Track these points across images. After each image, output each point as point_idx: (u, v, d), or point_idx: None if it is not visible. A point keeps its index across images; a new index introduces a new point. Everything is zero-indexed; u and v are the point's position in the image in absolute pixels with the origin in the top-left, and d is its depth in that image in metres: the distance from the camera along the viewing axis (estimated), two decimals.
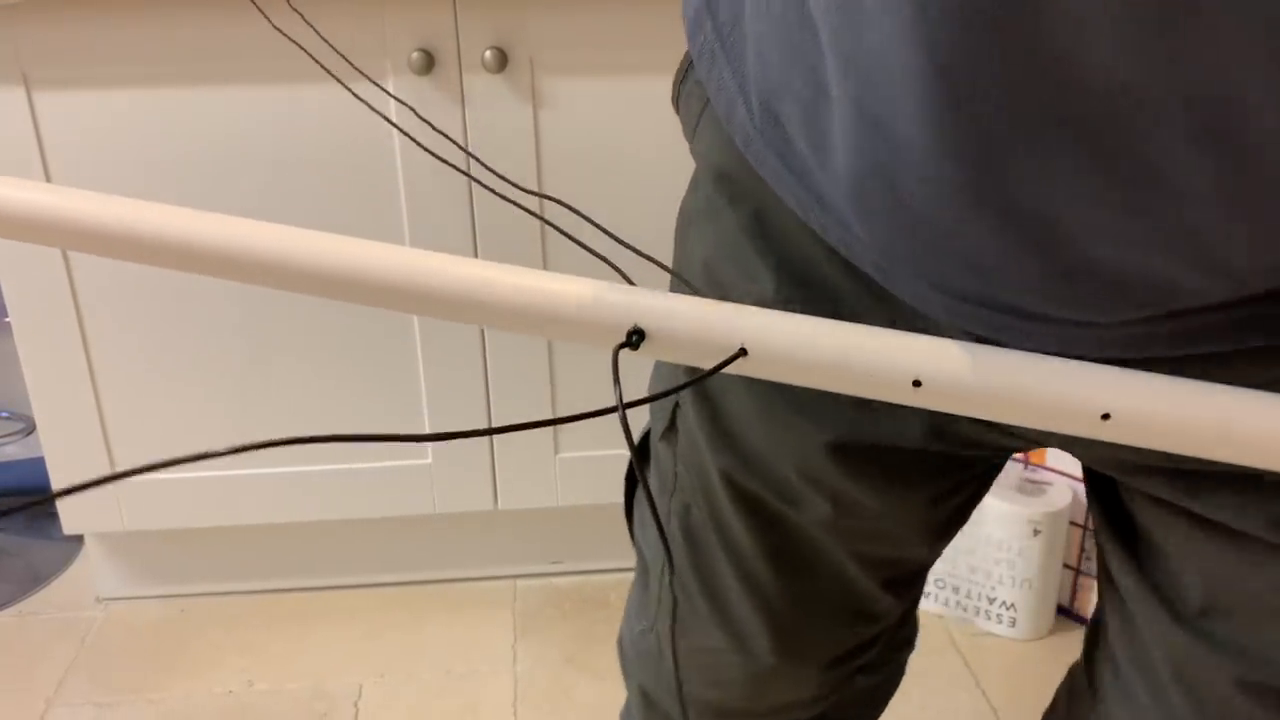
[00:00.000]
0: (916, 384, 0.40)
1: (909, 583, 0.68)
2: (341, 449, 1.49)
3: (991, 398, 0.41)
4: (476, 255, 1.41)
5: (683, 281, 0.59)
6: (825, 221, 0.49)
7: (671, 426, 0.65)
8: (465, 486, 1.52)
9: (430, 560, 1.63)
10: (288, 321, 1.43)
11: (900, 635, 0.75)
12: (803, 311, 0.47)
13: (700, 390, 0.61)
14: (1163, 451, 0.45)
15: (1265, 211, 0.35)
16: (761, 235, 0.54)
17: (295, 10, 0.62)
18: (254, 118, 1.32)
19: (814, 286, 0.53)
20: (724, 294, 0.56)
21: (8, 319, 1.41)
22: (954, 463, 0.59)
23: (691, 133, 0.59)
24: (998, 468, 0.63)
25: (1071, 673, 0.68)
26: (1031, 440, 0.55)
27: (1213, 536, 0.50)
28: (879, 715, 0.79)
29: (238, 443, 1.48)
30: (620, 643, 0.76)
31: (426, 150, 0.61)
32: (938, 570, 1.55)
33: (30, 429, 1.84)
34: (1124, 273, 0.40)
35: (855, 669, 0.71)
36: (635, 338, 0.42)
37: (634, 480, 0.71)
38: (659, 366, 0.67)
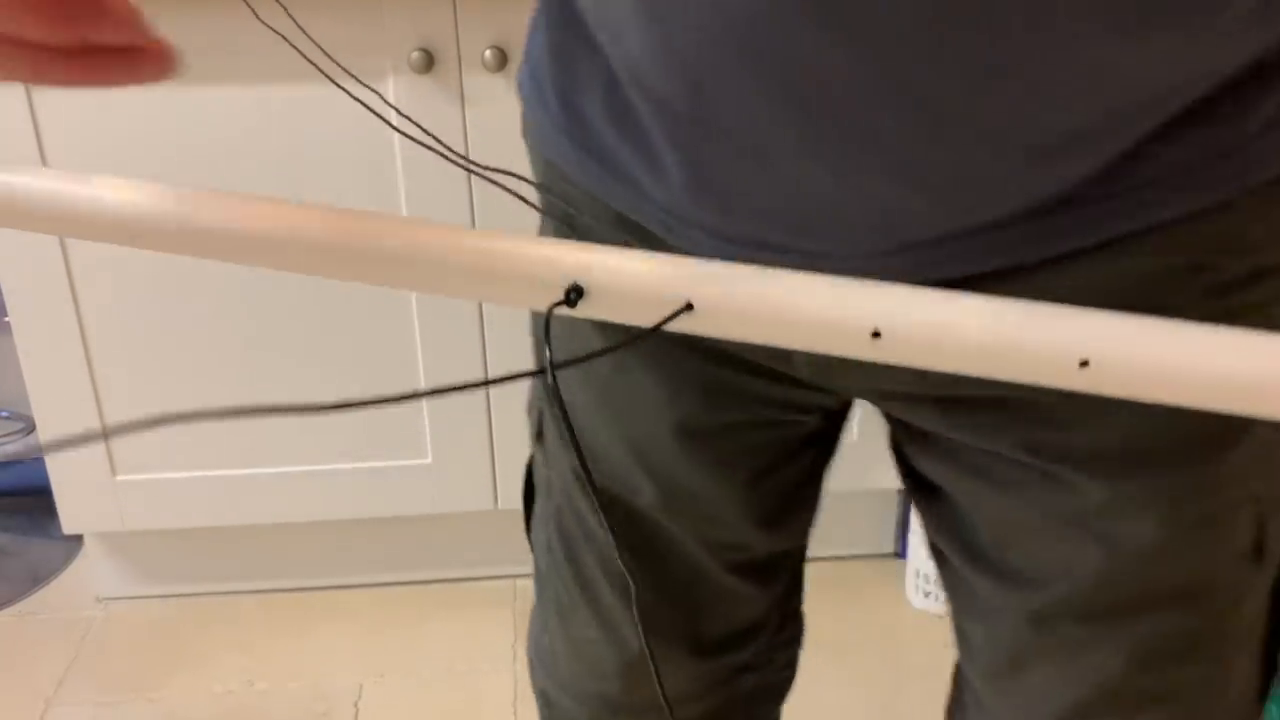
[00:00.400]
0: (876, 334, 0.38)
1: (765, 572, 0.69)
2: (341, 449, 1.49)
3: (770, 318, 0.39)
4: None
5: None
6: (611, 187, 0.53)
7: (540, 433, 0.68)
8: (465, 486, 1.52)
9: (430, 560, 1.63)
10: (288, 321, 1.43)
11: (782, 635, 0.75)
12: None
13: (552, 392, 0.65)
14: (920, 375, 0.51)
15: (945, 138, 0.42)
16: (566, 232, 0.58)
17: (282, 6, 0.62)
18: (254, 117, 1.32)
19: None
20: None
21: (7, 318, 1.41)
22: (764, 437, 0.62)
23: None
24: (817, 449, 0.66)
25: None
26: (812, 386, 0.58)
27: (980, 472, 0.56)
28: (772, 716, 0.80)
29: (238, 443, 1.48)
30: (528, 652, 0.78)
31: (425, 145, 0.61)
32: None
33: (30, 429, 1.83)
34: (836, 200, 0.46)
35: (736, 667, 0.73)
36: (573, 295, 0.40)
37: (529, 490, 0.73)
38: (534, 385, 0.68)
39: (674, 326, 0.39)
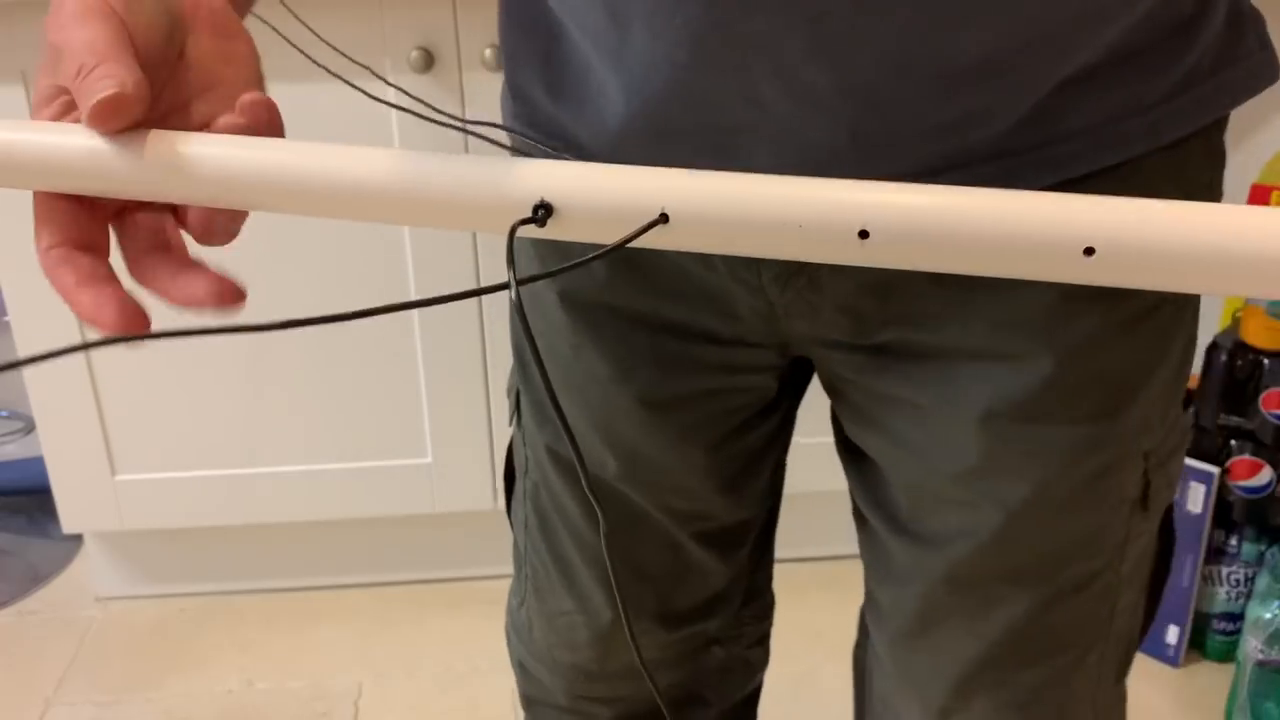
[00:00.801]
0: (864, 234, 0.36)
1: (728, 541, 0.71)
2: (341, 448, 1.49)
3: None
4: (476, 248, 1.41)
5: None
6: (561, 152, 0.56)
7: (517, 412, 0.70)
8: (465, 485, 1.52)
9: (430, 559, 1.63)
10: (288, 318, 1.43)
11: (749, 609, 0.77)
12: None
13: (521, 367, 0.68)
14: (858, 321, 0.56)
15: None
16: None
17: (285, 5, 0.62)
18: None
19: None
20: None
21: (7, 318, 1.41)
22: (721, 404, 0.63)
23: None
24: (776, 417, 0.67)
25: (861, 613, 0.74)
26: (760, 344, 0.60)
27: (898, 439, 0.59)
28: (745, 692, 0.82)
29: (240, 443, 1.48)
30: (506, 626, 0.81)
31: (419, 115, 0.62)
32: None
33: (29, 428, 1.83)
34: (754, 125, 0.48)
35: (704, 639, 0.75)
36: (541, 212, 0.38)
37: (510, 472, 0.75)
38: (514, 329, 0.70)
39: (650, 241, 0.38)
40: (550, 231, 0.38)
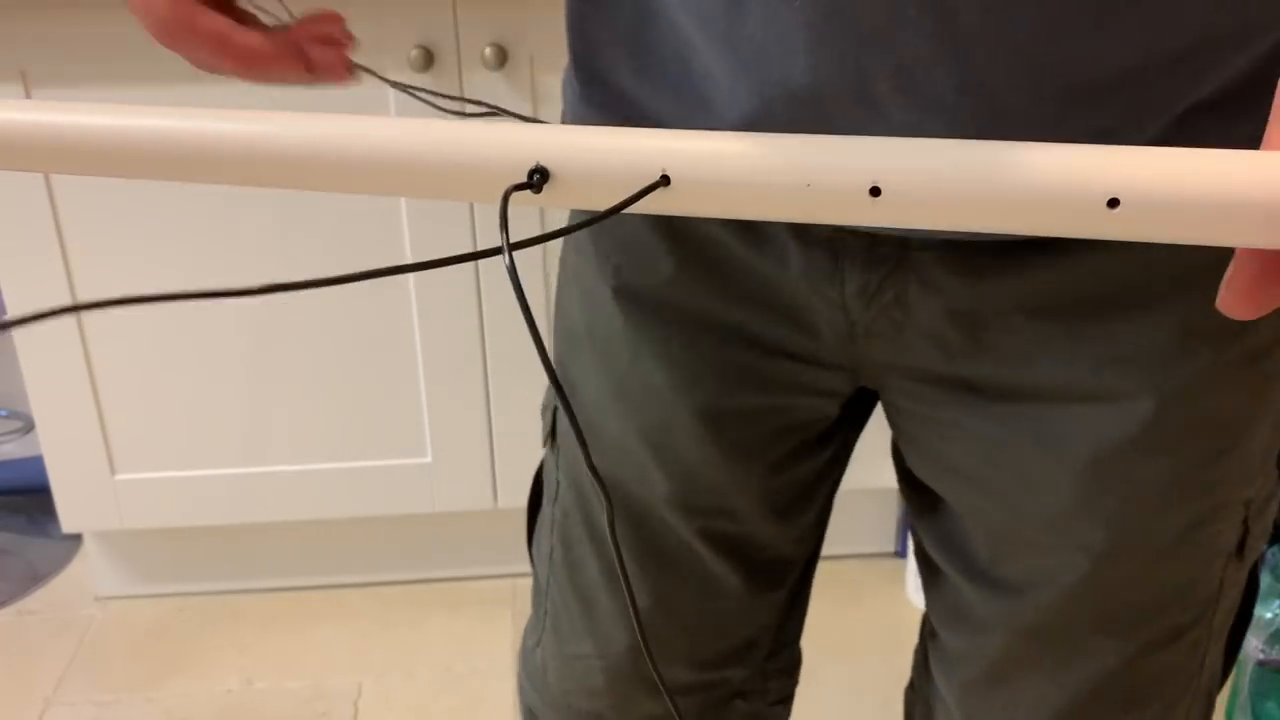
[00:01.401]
0: (875, 191, 0.34)
1: (769, 579, 0.68)
2: (341, 448, 1.49)
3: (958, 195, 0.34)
4: (475, 242, 1.40)
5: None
6: None
7: (553, 433, 0.67)
8: (465, 485, 1.52)
9: (430, 559, 1.63)
10: (287, 318, 1.43)
11: (777, 662, 0.73)
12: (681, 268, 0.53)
13: (561, 387, 0.62)
14: (944, 350, 0.52)
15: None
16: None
17: (283, 4, 0.61)
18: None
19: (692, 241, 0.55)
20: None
21: (6, 317, 1.41)
22: (784, 423, 0.60)
23: None
24: (834, 446, 0.64)
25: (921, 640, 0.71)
26: (833, 366, 0.57)
27: (979, 484, 0.56)
28: None
29: (240, 442, 1.48)
30: (518, 670, 0.77)
31: (413, 93, 0.61)
32: None
33: (29, 427, 1.83)
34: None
35: (730, 690, 0.71)
36: (537, 177, 0.36)
37: (535, 500, 0.71)
38: (558, 320, 0.66)
39: (652, 205, 0.36)
40: (546, 198, 0.37)
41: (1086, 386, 0.51)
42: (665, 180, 0.35)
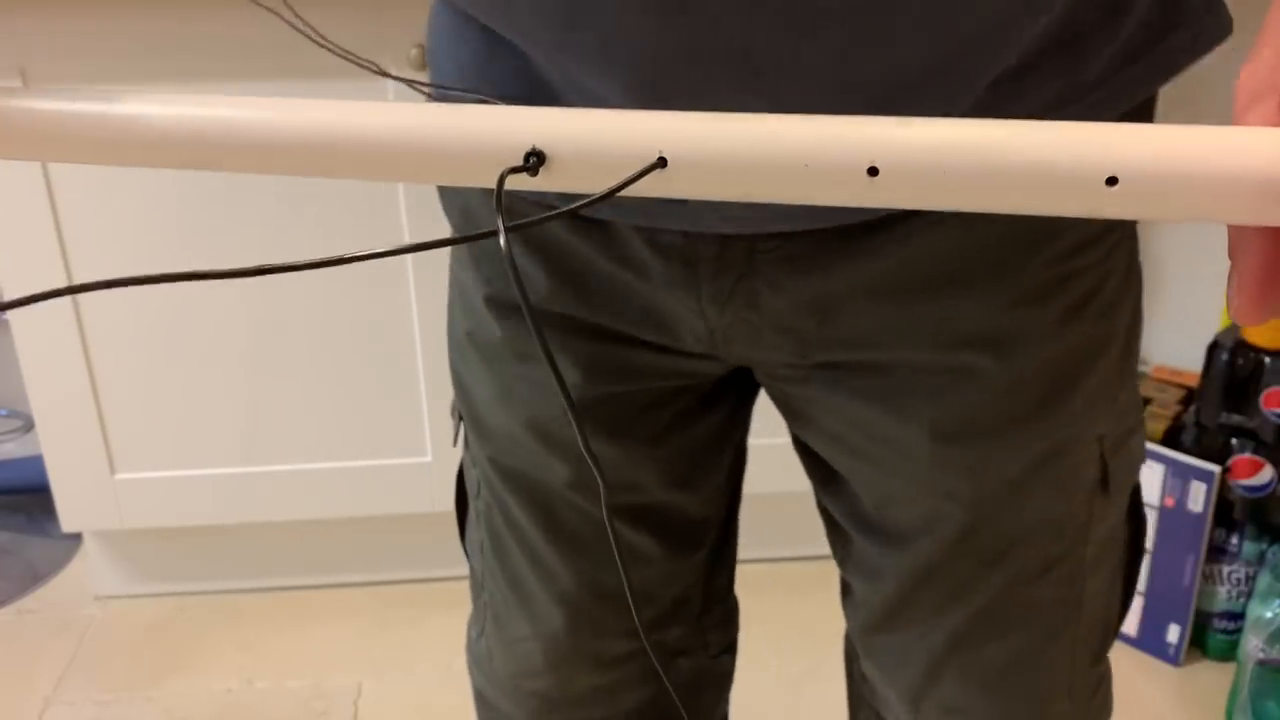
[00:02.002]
0: (873, 171, 0.34)
1: (687, 541, 0.70)
2: (341, 447, 1.49)
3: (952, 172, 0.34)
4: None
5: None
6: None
7: (462, 433, 0.70)
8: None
9: (430, 558, 1.63)
10: (287, 318, 1.43)
11: (711, 616, 0.76)
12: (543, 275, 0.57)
13: (458, 390, 0.67)
14: (801, 343, 0.56)
15: None
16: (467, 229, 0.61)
17: (287, 3, 0.61)
18: None
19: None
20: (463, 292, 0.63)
21: (6, 316, 1.41)
22: (654, 400, 0.63)
23: None
24: (722, 413, 0.67)
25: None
26: (698, 355, 0.60)
27: (855, 451, 0.60)
28: (719, 697, 0.81)
29: (240, 441, 1.47)
30: (467, 657, 0.80)
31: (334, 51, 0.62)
32: None
33: (28, 426, 1.83)
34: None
35: (669, 649, 0.74)
36: (533, 160, 0.36)
37: (462, 498, 0.74)
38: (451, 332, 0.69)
39: (650, 188, 0.36)
40: (543, 181, 0.37)
41: (928, 358, 0.55)
42: (662, 162, 0.35)
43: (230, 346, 1.44)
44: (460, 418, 0.69)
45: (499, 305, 0.61)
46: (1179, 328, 1.58)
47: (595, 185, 0.36)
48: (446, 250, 1.40)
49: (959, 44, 0.45)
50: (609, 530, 0.67)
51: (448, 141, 0.37)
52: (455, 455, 1.62)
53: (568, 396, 0.35)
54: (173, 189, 1.35)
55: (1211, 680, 1.42)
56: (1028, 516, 0.60)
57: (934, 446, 0.57)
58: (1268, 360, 1.34)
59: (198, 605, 1.61)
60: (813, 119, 0.35)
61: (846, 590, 0.70)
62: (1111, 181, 0.33)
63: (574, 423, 0.36)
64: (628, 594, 0.46)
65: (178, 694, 1.45)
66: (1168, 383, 1.53)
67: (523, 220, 0.36)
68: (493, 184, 0.36)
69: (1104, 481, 0.61)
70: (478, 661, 0.77)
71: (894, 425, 0.57)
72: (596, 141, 0.36)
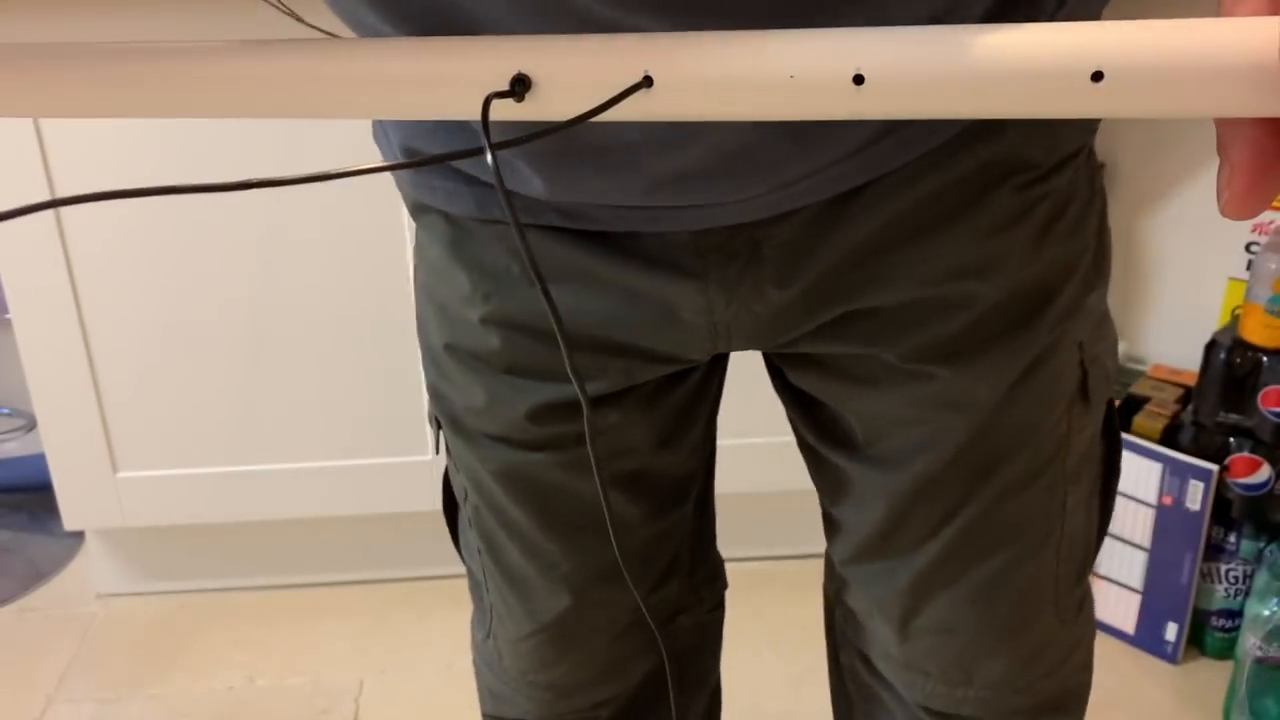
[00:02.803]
0: (859, 80, 0.34)
1: (675, 498, 0.72)
2: (342, 445, 1.50)
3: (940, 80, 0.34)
4: None
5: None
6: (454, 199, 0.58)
7: (440, 441, 0.70)
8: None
9: (431, 556, 1.64)
10: (288, 317, 1.43)
11: (701, 573, 0.78)
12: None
13: (435, 399, 0.67)
14: (807, 312, 0.58)
15: None
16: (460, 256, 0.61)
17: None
18: None
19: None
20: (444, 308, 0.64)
21: (8, 315, 1.41)
22: (648, 368, 0.63)
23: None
24: (699, 371, 0.68)
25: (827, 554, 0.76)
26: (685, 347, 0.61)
27: (855, 380, 0.61)
28: (716, 652, 0.84)
29: (242, 439, 1.48)
30: (474, 658, 0.81)
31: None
32: None
33: (31, 425, 1.84)
34: (718, 154, 0.50)
35: (671, 608, 0.76)
36: (519, 86, 0.35)
37: (450, 503, 0.75)
38: (420, 313, 0.70)
39: (636, 109, 0.35)
40: (529, 108, 0.36)
41: (922, 294, 0.57)
42: (648, 81, 0.35)
43: (231, 345, 1.44)
44: (439, 426, 0.70)
45: (497, 322, 0.61)
46: (1177, 327, 1.58)
47: (583, 108, 0.35)
48: None
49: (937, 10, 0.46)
50: (601, 493, 0.67)
51: (429, 70, 0.36)
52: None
53: (558, 320, 0.35)
54: (173, 170, 1.35)
55: (1209, 678, 1.42)
56: (1016, 426, 0.61)
57: (928, 369, 0.59)
58: (1265, 359, 1.34)
59: (199, 603, 1.62)
60: (797, 32, 0.35)
61: (831, 523, 0.70)
62: (1097, 77, 0.32)
63: (564, 347, 0.36)
64: (621, 564, 0.46)
65: (179, 691, 1.45)
66: (1166, 382, 1.54)
67: (511, 139, 0.35)
68: (477, 111, 0.35)
69: (1083, 389, 0.63)
70: (488, 663, 0.78)
71: (888, 355, 0.59)
72: (582, 64, 0.35)
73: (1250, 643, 1.32)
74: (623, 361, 0.61)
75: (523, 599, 0.71)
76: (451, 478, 0.73)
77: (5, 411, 1.88)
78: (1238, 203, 0.33)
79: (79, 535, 1.71)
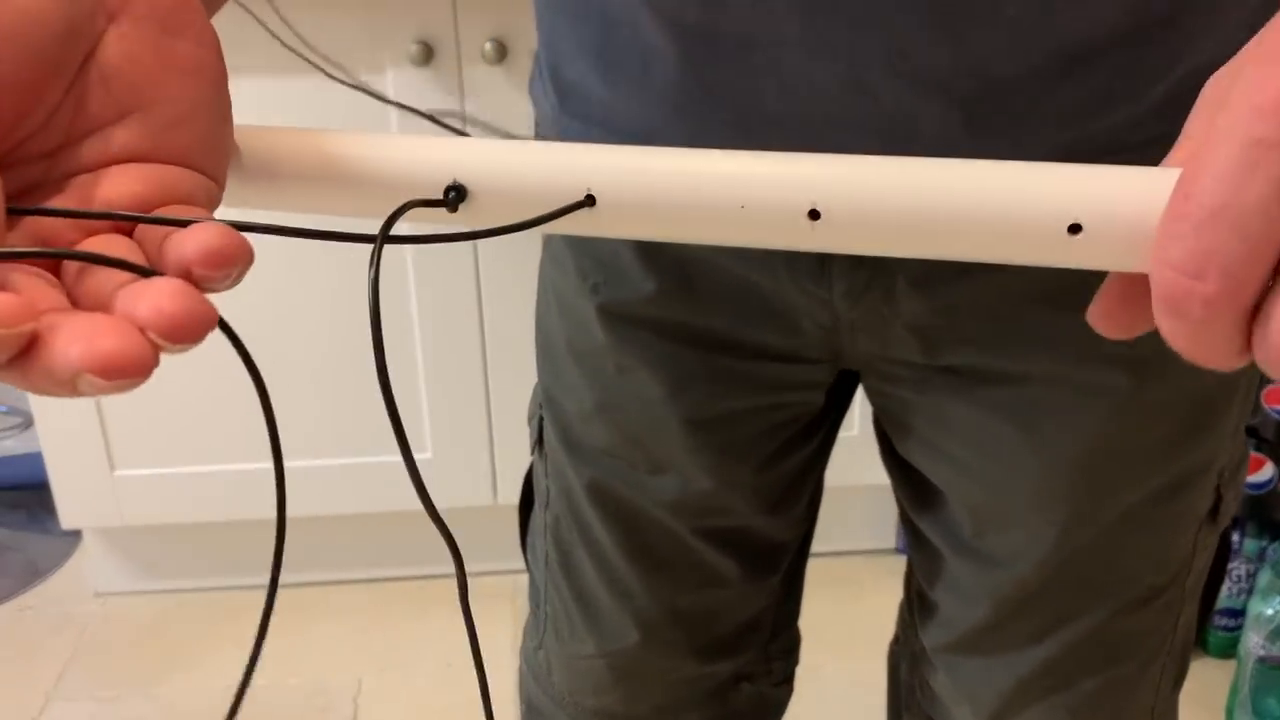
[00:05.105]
0: (814, 215, 0.31)
1: (766, 566, 0.69)
2: (340, 443, 1.49)
3: (893, 221, 0.31)
4: (477, 261, 1.40)
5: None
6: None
7: (540, 440, 0.67)
8: (465, 481, 1.52)
9: (430, 555, 1.63)
10: (289, 319, 1.43)
11: (778, 643, 0.75)
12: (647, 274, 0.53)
13: (547, 401, 0.64)
14: (927, 342, 0.52)
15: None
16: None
17: (277, 13, 0.60)
18: (251, 111, 1.31)
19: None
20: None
21: None
22: (770, 422, 0.61)
23: None
24: (820, 434, 0.65)
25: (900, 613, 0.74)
26: (817, 360, 0.58)
27: (960, 465, 0.57)
28: None
29: (240, 438, 1.47)
30: (521, 665, 0.78)
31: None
32: None
33: (28, 423, 1.83)
34: (843, 106, 0.46)
35: (734, 674, 0.72)
36: (453, 195, 0.33)
37: (527, 502, 0.72)
38: (541, 379, 0.67)
39: (577, 226, 0.33)
40: (463, 217, 0.34)
41: (1066, 372, 0.52)
42: (590, 200, 0.33)
43: (230, 344, 1.43)
44: (540, 424, 0.67)
45: (609, 313, 0.57)
46: None
47: (520, 217, 0.33)
48: (448, 246, 1.39)
49: (1160, 12, 0.43)
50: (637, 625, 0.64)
51: (364, 173, 0.34)
52: (455, 451, 1.62)
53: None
54: None
55: (1212, 677, 1.42)
56: (1138, 549, 0.58)
57: (1057, 468, 0.54)
58: None
59: (198, 602, 1.61)
60: (752, 156, 0.32)
61: (926, 605, 0.67)
62: (1074, 229, 0.30)
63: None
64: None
65: (178, 691, 1.45)
66: None
67: (404, 236, 0.32)
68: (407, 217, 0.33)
69: (1214, 513, 0.59)
70: (535, 674, 0.75)
71: (1014, 442, 0.54)
72: (522, 176, 0.33)
73: (1253, 641, 1.31)
74: (734, 362, 0.58)
75: (589, 618, 0.68)
76: (535, 479, 0.70)
77: (2, 409, 1.87)
78: (1095, 316, 0.33)
79: (76, 534, 1.71)
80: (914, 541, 0.66)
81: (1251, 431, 1.36)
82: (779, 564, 0.70)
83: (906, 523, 0.66)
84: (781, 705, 0.78)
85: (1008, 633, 0.61)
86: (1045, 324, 0.51)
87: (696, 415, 0.59)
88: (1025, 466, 0.55)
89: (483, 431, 1.49)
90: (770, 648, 0.74)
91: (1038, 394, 0.53)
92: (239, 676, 0.32)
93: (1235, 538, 1.40)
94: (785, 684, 0.78)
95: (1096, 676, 0.61)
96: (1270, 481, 1.37)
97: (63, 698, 1.44)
